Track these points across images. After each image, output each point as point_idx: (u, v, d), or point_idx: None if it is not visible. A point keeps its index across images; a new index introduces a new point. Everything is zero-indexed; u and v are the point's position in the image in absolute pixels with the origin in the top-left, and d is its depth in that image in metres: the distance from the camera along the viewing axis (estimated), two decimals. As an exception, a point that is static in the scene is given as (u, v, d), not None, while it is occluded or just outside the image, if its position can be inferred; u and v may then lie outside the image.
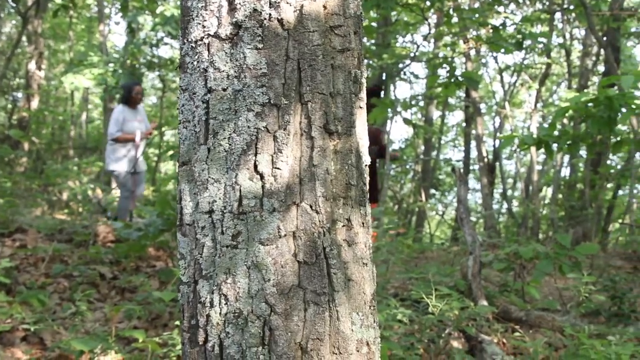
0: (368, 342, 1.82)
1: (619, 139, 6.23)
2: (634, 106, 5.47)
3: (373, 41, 14.00)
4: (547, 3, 14.51)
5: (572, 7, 12.12)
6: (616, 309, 4.85)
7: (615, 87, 6.35)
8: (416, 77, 16.63)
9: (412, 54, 8.76)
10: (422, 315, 4.17)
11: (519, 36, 6.21)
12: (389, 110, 6.48)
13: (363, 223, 1.85)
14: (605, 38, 12.57)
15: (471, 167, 19.88)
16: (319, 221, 1.74)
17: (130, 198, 9.44)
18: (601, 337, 3.96)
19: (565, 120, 12.24)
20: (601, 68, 16.19)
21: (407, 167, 22.32)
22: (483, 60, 19.55)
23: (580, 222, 11.15)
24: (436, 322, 4.05)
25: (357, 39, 1.87)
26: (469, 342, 4.21)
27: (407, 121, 5.32)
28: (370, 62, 12.57)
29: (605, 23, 11.48)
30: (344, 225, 1.79)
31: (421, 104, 19.58)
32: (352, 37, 1.84)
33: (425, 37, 9.63)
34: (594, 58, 16.53)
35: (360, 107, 1.88)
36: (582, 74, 16.16)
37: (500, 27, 6.53)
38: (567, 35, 17.76)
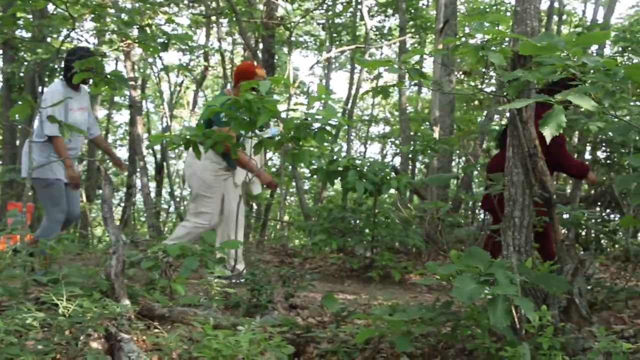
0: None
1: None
2: (271, 109, 5.83)
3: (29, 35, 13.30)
4: (203, 7, 14.93)
5: (227, 12, 12.65)
6: (255, 301, 5.14)
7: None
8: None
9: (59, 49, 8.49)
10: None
11: (164, 37, 6.32)
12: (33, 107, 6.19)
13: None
14: (262, 44, 13.33)
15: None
16: None
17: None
18: (235, 328, 4.17)
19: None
20: (260, 72, 17.03)
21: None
22: (151, 60, 19.54)
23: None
24: (75, 324, 3.97)
25: None
26: (109, 341, 4.19)
27: (52, 119, 5.16)
28: (24, 55, 11.97)
29: (256, 30, 12.16)
30: None
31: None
32: None
33: (68, 34, 9.42)
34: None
35: None
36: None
37: (147, 28, 6.59)
38: (230, 40, 18.41)
